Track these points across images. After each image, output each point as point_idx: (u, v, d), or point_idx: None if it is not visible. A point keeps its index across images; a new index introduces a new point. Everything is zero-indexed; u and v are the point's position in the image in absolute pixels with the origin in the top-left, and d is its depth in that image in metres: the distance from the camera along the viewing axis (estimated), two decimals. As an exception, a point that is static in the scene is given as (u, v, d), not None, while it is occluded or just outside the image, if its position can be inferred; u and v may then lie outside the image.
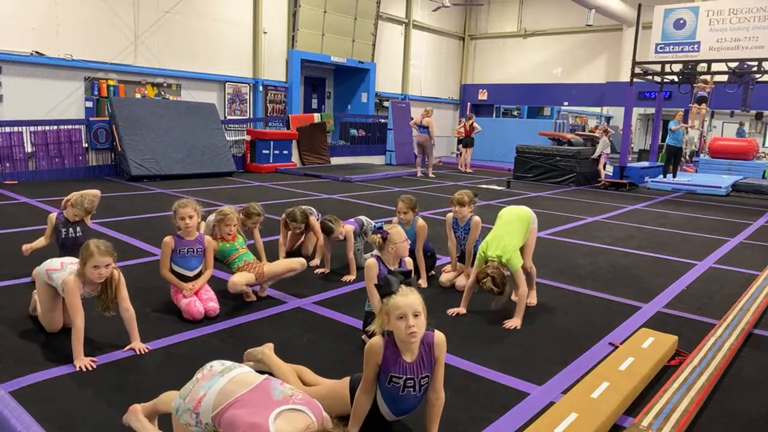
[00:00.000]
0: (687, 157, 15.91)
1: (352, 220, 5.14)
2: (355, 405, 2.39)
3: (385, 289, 2.07)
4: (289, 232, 5.19)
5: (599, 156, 13.23)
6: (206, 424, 1.88)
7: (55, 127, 10.52)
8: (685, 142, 14.51)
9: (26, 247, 4.37)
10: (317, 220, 5.10)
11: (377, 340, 2.32)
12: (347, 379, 2.54)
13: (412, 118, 14.55)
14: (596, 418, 2.51)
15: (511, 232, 4.09)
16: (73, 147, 10.74)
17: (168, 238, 3.83)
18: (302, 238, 5.51)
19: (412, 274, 3.45)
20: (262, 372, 2.21)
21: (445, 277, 4.75)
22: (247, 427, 1.72)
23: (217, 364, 2.02)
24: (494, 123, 20.29)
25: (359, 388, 2.38)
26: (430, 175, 13.56)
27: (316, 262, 5.08)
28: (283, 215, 5.06)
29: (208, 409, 1.86)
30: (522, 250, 4.13)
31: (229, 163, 12.09)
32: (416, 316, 2.23)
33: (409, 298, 2.26)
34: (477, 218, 4.69)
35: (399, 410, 2.43)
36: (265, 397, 1.82)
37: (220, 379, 1.91)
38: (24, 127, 10.14)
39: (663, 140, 15.45)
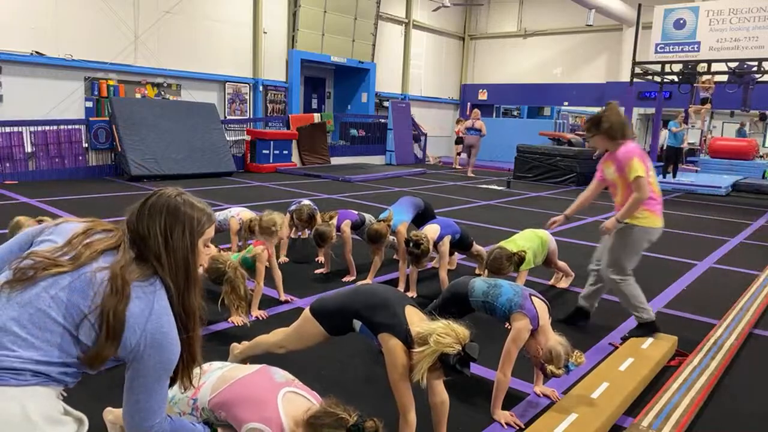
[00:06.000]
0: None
1: (355, 212, 5.10)
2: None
3: (468, 357, 2.20)
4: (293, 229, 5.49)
5: None
6: (203, 409, 1.92)
7: (55, 127, 10.52)
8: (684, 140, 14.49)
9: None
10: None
11: None
12: (306, 311, 2.62)
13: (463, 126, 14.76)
14: (596, 418, 2.52)
15: (527, 238, 4.27)
16: (73, 147, 10.74)
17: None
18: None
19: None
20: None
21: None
22: (255, 404, 1.77)
23: (216, 362, 2.13)
24: (494, 123, 20.28)
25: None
26: (470, 174, 14.06)
27: (321, 263, 5.14)
28: (289, 213, 5.24)
29: (207, 392, 1.92)
30: (549, 259, 4.50)
31: (229, 163, 12.09)
32: None
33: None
34: (446, 239, 4.45)
35: None
36: (267, 379, 1.90)
37: (220, 370, 2.01)
38: (24, 127, 10.13)
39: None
